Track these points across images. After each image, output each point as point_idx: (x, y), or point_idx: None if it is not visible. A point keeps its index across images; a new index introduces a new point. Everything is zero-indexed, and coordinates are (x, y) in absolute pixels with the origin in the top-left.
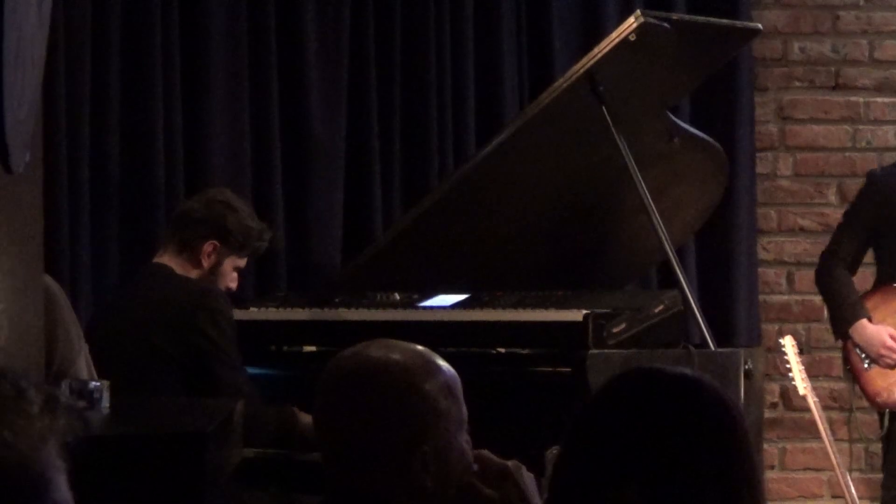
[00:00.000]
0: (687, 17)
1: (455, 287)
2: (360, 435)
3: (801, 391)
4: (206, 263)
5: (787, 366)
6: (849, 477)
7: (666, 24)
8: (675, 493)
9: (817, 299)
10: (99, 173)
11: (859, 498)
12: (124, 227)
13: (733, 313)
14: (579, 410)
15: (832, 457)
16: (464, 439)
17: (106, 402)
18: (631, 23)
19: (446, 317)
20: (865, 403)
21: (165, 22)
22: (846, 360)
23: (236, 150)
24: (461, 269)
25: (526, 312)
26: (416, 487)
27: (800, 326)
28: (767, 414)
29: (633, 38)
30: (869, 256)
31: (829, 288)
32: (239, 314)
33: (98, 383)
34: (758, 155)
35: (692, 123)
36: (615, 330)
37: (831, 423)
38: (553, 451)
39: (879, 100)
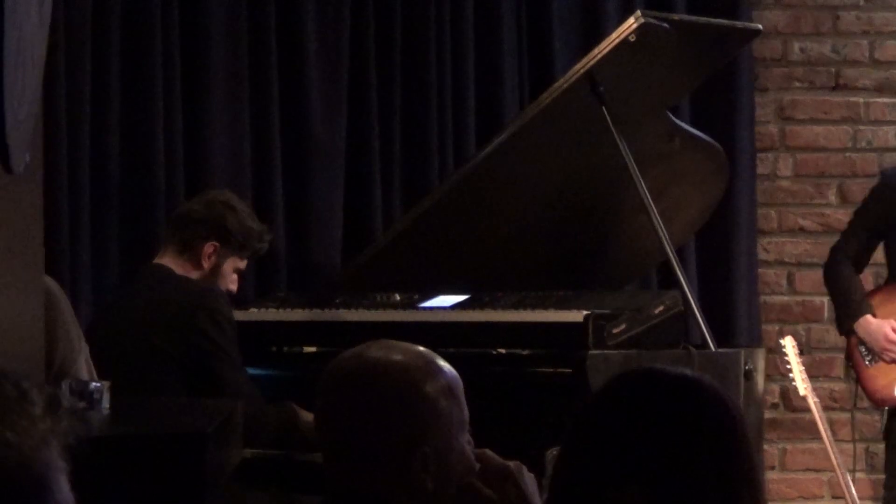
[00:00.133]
0: (687, 17)
1: (455, 287)
2: (361, 435)
3: (802, 392)
4: (206, 264)
5: (788, 366)
6: (849, 477)
7: (666, 25)
8: (675, 494)
9: (818, 300)
10: (99, 174)
11: (860, 498)
12: (124, 228)
13: (733, 314)
14: (579, 411)
15: (832, 457)
16: (465, 440)
17: (106, 403)
18: (631, 23)
19: (446, 317)
20: (866, 403)
21: (165, 22)
22: (849, 357)
23: (236, 151)
24: (461, 269)
25: (526, 313)
26: (417, 488)
27: (800, 327)
28: (768, 414)
29: (633, 38)
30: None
31: (835, 284)
32: (239, 315)
33: (98, 384)
34: (758, 155)
35: (692, 124)
36: (615, 330)
37: (832, 424)
38: (553, 452)
39: (880, 100)
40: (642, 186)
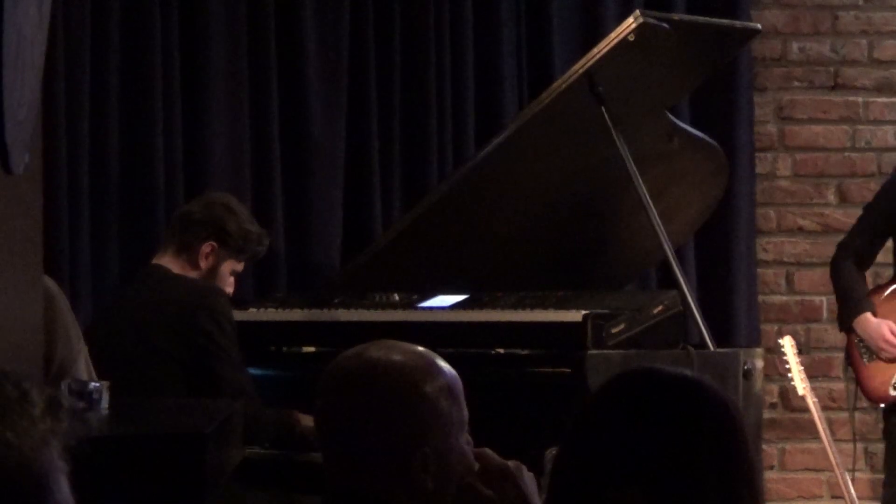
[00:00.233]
0: (686, 17)
1: (454, 287)
2: (361, 436)
3: (801, 391)
4: (203, 265)
5: (787, 366)
6: (848, 477)
7: (665, 25)
8: (674, 494)
9: (816, 300)
10: (98, 174)
11: (859, 498)
12: (124, 228)
13: (732, 314)
14: (578, 411)
15: (831, 457)
16: (464, 440)
17: (105, 403)
18: (630, 23)
19: (445, 317)
20: (865, 403)
21: (165, 23)
22: (848, 354)
23: (236, 151)
24: (460, 269)
25: (525, 313)
26: (416, 488)
27: (799, 327)
28: (767, 414)
29: (632, 38)
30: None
31: (838, 281)
32: (238, 315)
33: (97, 384)
34: (757, 155)
35: (691, 124)
36: (614, 330)
37: (830, 424)
38: (552, 452)
39: (879, 100)
40: (641, 186)
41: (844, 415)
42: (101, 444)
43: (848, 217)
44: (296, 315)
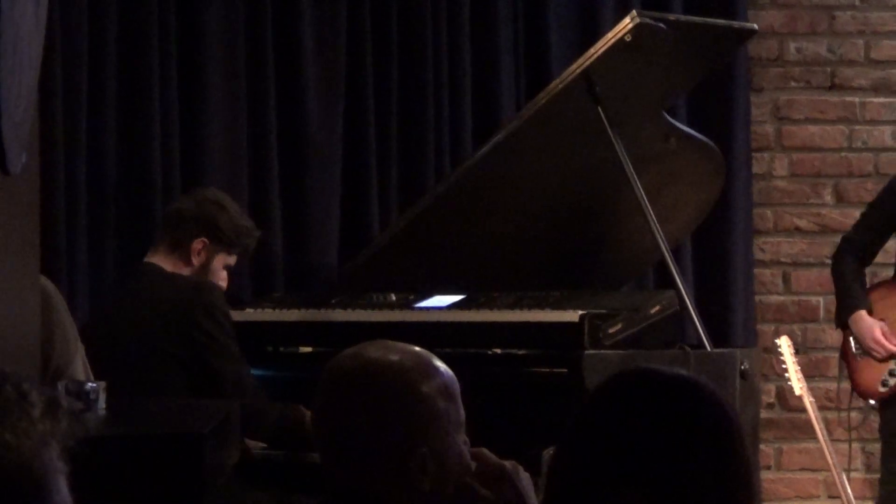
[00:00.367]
0: (683, 17)
1: (451, 288)
2: (358, 436)
3: (798, 391)
4: (196, 261)
5: (784, 366)
6: (845, 477)
7: (662, 25)
8: (670, 494)
9: (813, 300)
10: (96, 174)
11: (856, 498)
12: (121, 228)
13: (729, 314)
14: (575, 411)
15: (828, 457)
16: (461, 440)
17: (102, 403)
18: (627, 23)
19: (443, 317)
20: (861, 403)
21: (162, 23)
22: (842, 349)
23: (233, 151)
24: (458, 269)
25: (522, 313)
26: (414, 488)
27: (796, 327)
28: (763, 414)
29: (629, 38)
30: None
31: (837, 276)
32: (235, 315)
33: (94, 384)
34: (754, 155)
35: (688, 124)
36: (611, 330)
37: (827, 424)
38: (550, 452)
39: (875, 100)
40: (638, 187)
41: (841, 414)
42: (99, 445)
43: (845, 217)
44: (293, 315)
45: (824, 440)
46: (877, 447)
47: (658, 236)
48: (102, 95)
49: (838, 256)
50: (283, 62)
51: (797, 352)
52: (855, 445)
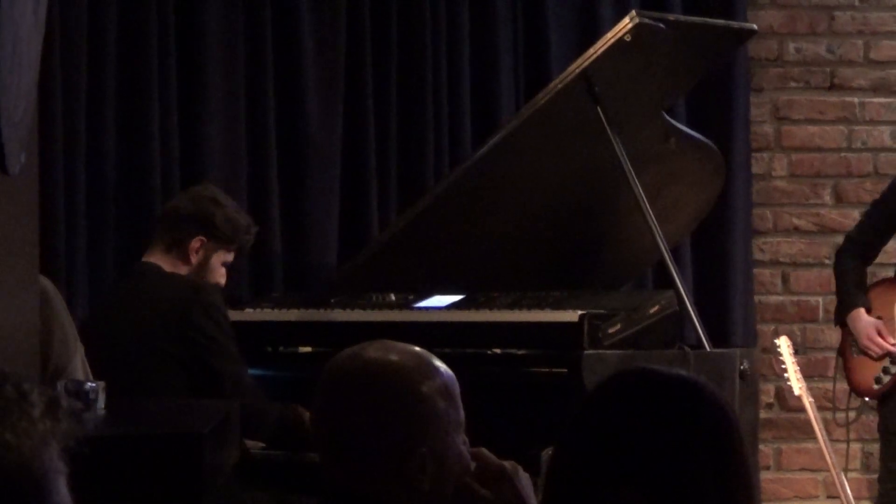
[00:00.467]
0: (682, 17)
1: (451, 288)
2: (358, 436)
3: (797, 392)
4: (194, 259)
5: (783, 366)
6: (844, 477)
7: (661, 25)
8: (670, 494)
9: (813, 300)
10: (95, 174)
11: (855, 498)
12: (120, 228)
13: (729, 314)
14: (574, 411)
15: (827, 457)
16: (461, 441)
17: (102, 403)
18: (626, 23)
19: (442, 317)
20: (857, 402)
21: (161, 23)
22: (840, 346)
23: (232, 151)
24: (457, 269)
25: (522, 313)
26: (413, 489)
27: (795, 327)
28: (763, 414)
29: (628, 38)
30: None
31: (838, 275)
32: (234, 315)
33: (94, 384)
34: (753, 155)
35: (688, 124)
36: (611, 330)
37: (826, 424)
38: (549, 452)
39: (875, 100)
40: (638, 187)
41: (840, 415)
42: (98, 445)
43: (844, 217)
44: (292, 315)
45: (823, 440)
46: (876, 447)
47: (657, 236)
48: (102, 95)
49: (840, 255)
50: (283, 62)
51: (796, 352)
52: (854, 445)
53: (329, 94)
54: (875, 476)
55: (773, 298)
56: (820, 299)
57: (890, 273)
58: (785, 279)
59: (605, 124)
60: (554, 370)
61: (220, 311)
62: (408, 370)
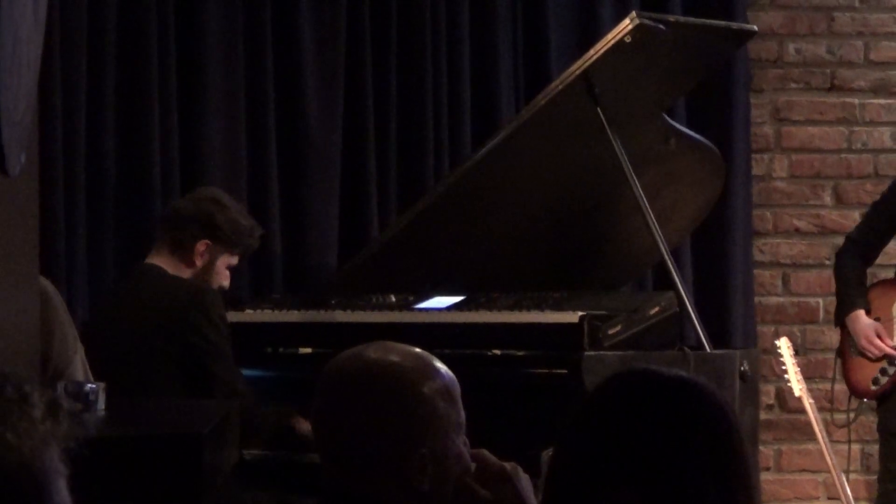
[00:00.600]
0: (682, 18)
1: (451, 289)
2: (358, 437)
3: (797, 393)
4: (199, 262)
5: (783, 367)
6: (844, 478)
7: (661, 26)
8: (669, 495)
9: (813, 301)
10: (95, 175)
11: (855, 499)
12: (120, 229)
13: (729, 315)
14: (574, 412)
15: (828, 458)
16: (461, 442)
17: (102, 404)
18: (626, 24)
19: (442, 318)
20: (855, 404)
21: (161, 23)
22: (839, 347)
23: (232, 152)
24: (457, 270)
25: (522, 314)
26: (414, 490)
27: (795, 328)
28: (763, 416)
29: (628, 39)
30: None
31: (838, 275)
32: (234, 316)
33: (94, 385)
34: (753, 156)
35: (688, 125)
36: (611, 332)
37: (826, 425)
38: (549, 453)
39: (875, 101)
40: (638, 187)
41: (840, 416)
42: (99, 446)
43: (844, 218)
44: (292, 316)
45: (824, 441)
46: (875, 448)
47: (657, 237)
48: (102, 95)
49: (840, 256)
50: (283, 62)
51: (797, 353)
52: (854, 447)
53: (329, 94)
54: (874, 477)
55: (774, 299)
56: (820, 300)
57: (890, 274)
58: (785, 280)
59: (605, 125)
60: (554, 371)
61: (220, 314)
62: (408, 371)
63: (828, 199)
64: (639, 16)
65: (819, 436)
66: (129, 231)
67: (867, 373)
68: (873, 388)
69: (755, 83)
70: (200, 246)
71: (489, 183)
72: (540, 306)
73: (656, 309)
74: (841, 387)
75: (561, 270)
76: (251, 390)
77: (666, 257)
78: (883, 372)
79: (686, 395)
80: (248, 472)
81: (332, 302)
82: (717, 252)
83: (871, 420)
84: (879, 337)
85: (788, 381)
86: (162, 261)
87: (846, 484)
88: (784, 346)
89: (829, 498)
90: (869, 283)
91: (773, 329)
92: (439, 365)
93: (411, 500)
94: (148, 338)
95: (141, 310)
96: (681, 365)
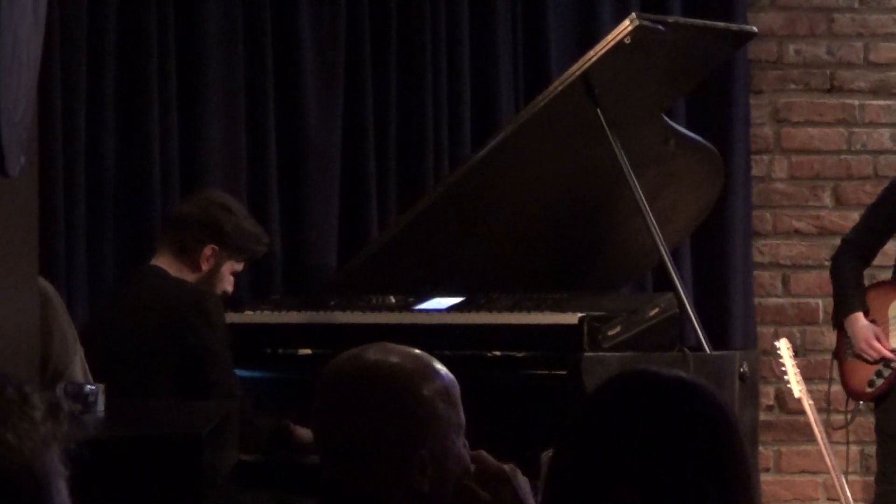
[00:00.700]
0: (682, 19)
1: (451, 290)
2: (358, 438)
3: (797, 394)
4: (205, 267)
5: (783, 368)
6: (844, 480)
7: (661, 27)
8: (669, 496)
9: (812, 302)
10: (95, 176)
11: (854, 500)
12: (120, 230)
13: (728, 316)
14: (574, 413)
15: (827, 459)
16: (461, 443)
17: (101, 405)
18: (626, 25)
19: (442, 320)
20: (860, 405)
21: (161, 23)
22: (836, 349)
23: (232, 153)
24: (457, 271)
25: (521, 315)
26: (413, 491)
27: (795, 329)
28: (763, 417)
29: (628, 40)
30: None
31: (835, 277)
32: (234, 317)
33: (93, 386)
34: (753, 157)
35: (687, 126)
36: (610, 333)
37: (826, 426)
38: (549, 454)
39: (874, 102)
40: (637, 188)
41: (840, 417)
42: (98, 447)
43: (844, 220)
44: (292, 317)
45: (823, 442)
46: (875, 449)
47: (657, 238)
48: (102, 95)
49: (838, 257)
50: (283, 62)
51: (796, 354)
52: (854, 448)
53: (329, 94)
54: (874, 478)
55: (773, 300)
56: (820, 301)
57: (888, 275)
58: (785, 281)
59: (605, 126)
60: (554, 372)
61: (219, 319)
62: (408, 372)
63: (827, 200)
64: (638, 17)
65: (819, 437)
66: (128, 231)
67: (863, 375)
68: (869, 390)
69: (755, 84)
70: (207, 251)
71: (489, 183)
72: (540, 307)
73: (656, 310)
74: (838, 388)
75: (560, 271)
76: (247, 397)
77: (665, 258)
78: (878, 374)
79: (686, 396)
80: (248, 472)
81: (332, 303)
82: (717, 253)
83: (869, 421)
84: (878, 340)
85: (788, 382)
86: (166, 263)
87: (846, 485)
88: (784, 347)
89: (828, 499)
90: (867, 283)
91: (772, 330)
92: (439, 366)
93: (411, 501)
94: (147, 339)
95: (141, 311)
96: (680, 366)
